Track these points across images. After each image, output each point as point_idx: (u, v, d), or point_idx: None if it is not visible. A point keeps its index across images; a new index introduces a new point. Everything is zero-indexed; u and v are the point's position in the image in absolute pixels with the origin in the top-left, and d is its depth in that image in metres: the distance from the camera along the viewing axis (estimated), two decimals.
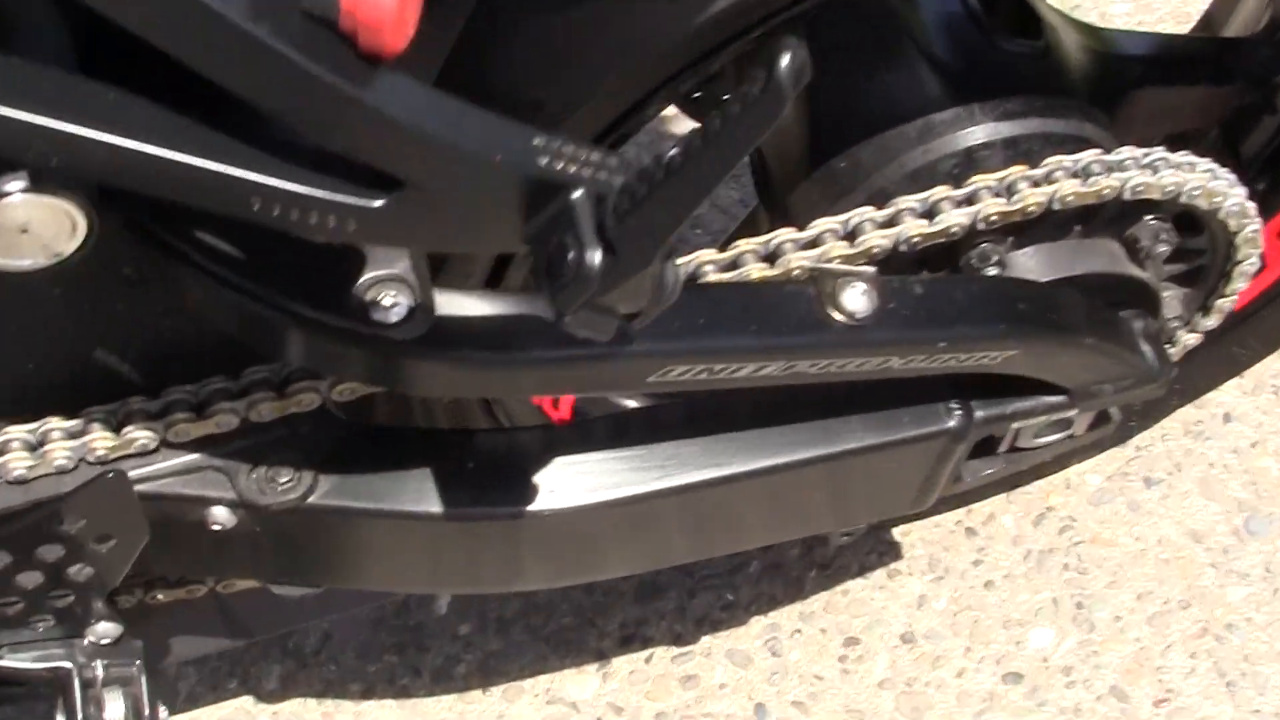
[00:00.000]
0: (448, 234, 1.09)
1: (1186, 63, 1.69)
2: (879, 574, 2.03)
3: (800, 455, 1.43)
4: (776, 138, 1.54)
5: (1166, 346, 1.58)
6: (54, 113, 1.01)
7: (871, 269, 1.36)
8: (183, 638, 1.62)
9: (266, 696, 1.95)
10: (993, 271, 1.44)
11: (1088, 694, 1.95)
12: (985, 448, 1.54)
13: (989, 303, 1.41)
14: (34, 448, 1.30)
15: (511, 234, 1.06)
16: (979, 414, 1.47)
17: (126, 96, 1.03)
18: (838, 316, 1.32)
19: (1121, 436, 1.99)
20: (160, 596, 1.52)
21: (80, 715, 1.34)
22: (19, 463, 1.29)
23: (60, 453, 1.29)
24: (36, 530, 1.28)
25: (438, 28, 1.15)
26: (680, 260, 1.35)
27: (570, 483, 1.38)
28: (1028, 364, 1.44)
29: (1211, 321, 1.64)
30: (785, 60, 0.93)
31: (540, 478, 1.38)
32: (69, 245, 1.12)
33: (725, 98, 1.03)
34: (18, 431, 1.29)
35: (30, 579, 1.31)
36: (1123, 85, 1.62)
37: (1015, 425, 1.50)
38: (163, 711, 1.40)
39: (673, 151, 1.00)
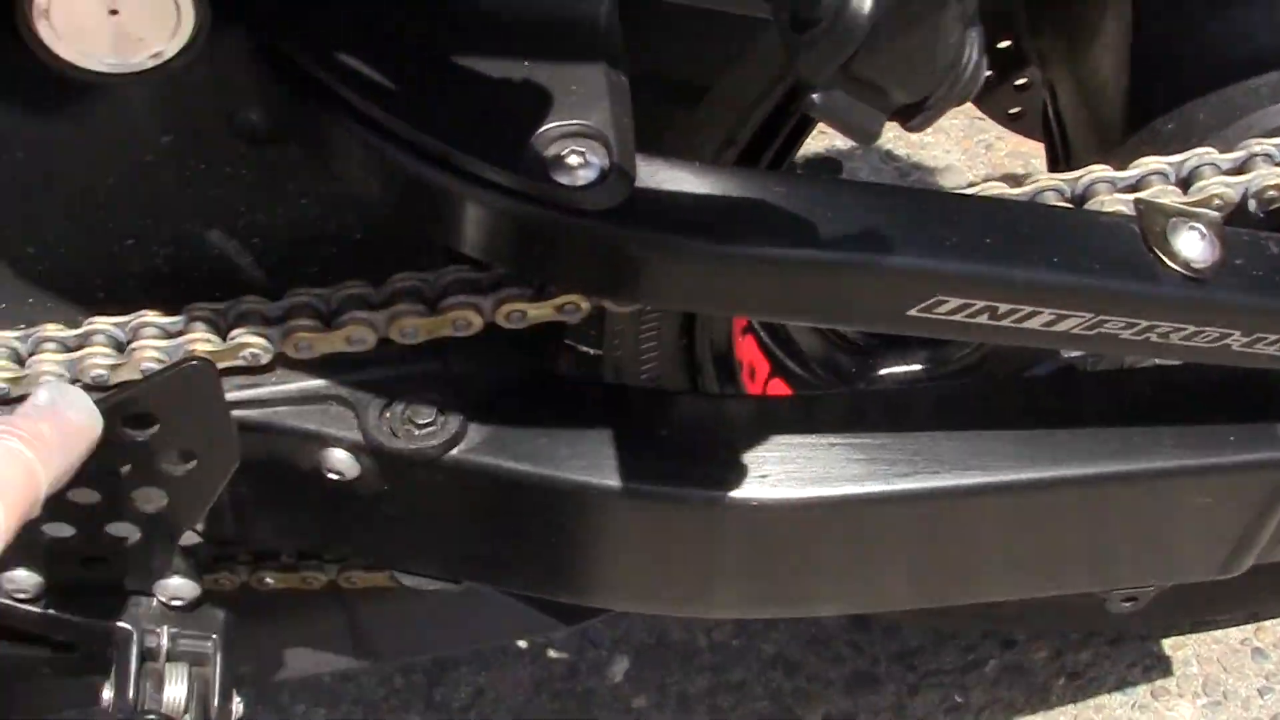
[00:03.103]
0: None
1: None
2: (1141, 691, 1.71)
3: (1087, 469, 1.10)
4: (1083, 98, 1.27)
5: None
6: None
7: (1214, 212, 1.04)
8: (298, 649, 1.35)
9: None
10: None
11: None
12: None
13: None
14: (121, 345, 1.05)
15: None
16: None
17: None
18: (1168, 263, 1.00)
19: None
20: (269, 580, 1.24)
21: (132, 691, 1.04)
22: (100, 360, 1.04)
23: (150, 353, 1.04)
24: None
25: None
26: (965, 187, 1.05)
27: (788, 469, 1.08)
28: None
29: None
30: None
31: (751, 458, 1.08)
32: (170, 42, 0.91)
33: None
34: (104, 324, 1.06)
35: (86, 497, 1.01)
36: None
37: None
38: (237, 703, 1.09)
39: None
